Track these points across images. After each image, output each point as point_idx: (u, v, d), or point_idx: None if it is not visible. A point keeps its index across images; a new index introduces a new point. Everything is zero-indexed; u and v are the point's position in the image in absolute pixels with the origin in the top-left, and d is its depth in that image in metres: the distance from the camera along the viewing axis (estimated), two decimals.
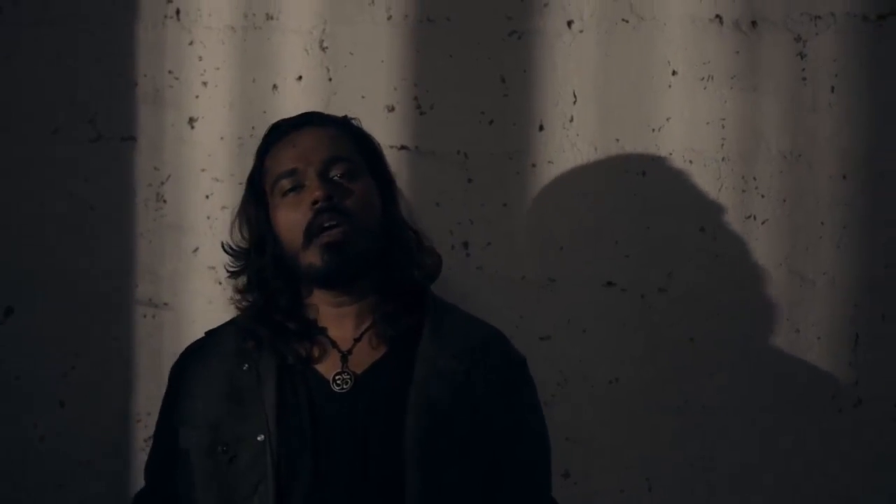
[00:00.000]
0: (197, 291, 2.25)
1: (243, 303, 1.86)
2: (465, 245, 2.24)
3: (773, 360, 2.21)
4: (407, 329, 1.81)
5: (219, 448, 1.77)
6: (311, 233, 1.76)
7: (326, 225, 1.75)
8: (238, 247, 1.88)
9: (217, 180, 2.25)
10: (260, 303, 1.84)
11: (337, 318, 1.82)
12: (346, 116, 1.90)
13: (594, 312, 2.24)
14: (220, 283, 2.25)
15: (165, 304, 2.25)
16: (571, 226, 2.24)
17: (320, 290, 1.82)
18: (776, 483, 2.19)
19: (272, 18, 2.24)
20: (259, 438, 1.74)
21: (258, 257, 1.84)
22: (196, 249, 2.25)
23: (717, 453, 2.22)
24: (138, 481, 2.23)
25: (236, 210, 1.89)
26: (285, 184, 1.78)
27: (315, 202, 1.75)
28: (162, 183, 2.25)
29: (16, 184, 2.24)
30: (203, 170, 2.25)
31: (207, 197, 2.25)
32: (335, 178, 1.79)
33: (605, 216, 2.24)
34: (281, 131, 1.84)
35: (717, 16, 2.22)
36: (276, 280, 1.82)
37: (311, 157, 1.79)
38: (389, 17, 2.24)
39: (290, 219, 1.78)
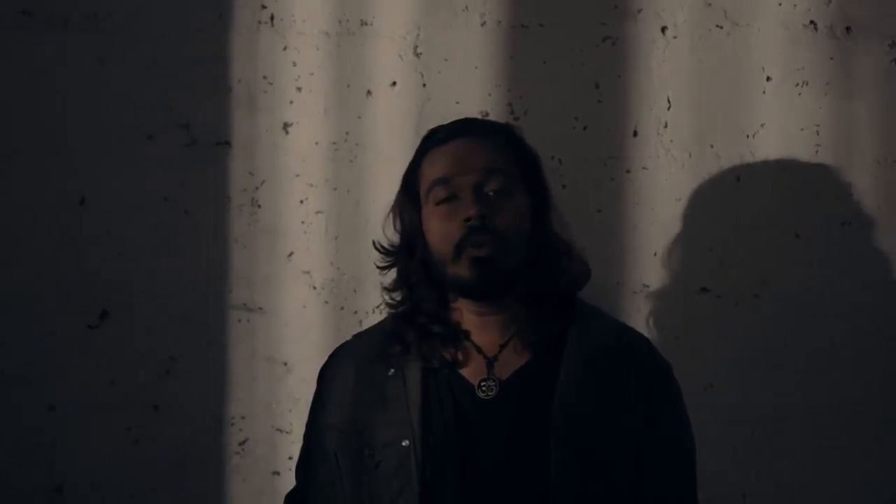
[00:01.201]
0: (291, 296, 2.26)
1: (389, 300, 1.87)
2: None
3: (870, 367, 2.20)
4: (552, 335, 1.80)
5: (365, 452, 1.78)
6: (460, 247, 1.76)
7: (477, 243, 1.75)
8: (390, 245, 1.88)
9: (311, 185, 2.25)
10: (406, 304, 1.85)
11: (482, 324, 1.82)
12: (507, 124, 1.88)
13: (688, 319, 2.23)
14: (315, 288, 2.25)
15: (260, 308, 2.26)
16: (665, 232, 2.23)
17: (466, 299, 1.82)
18: (876, 493, 2.18)
19: (366, 24, 2.25)
20: (404, 444, 1.75)
21: (407, 259, 1.84)
22: (291, 254, 2.26)
23: (814, 461, 2.21)
24: (232, 484, 2.26)
25: (391, 205, 1.88)
26: (440, 192, 1.78)
27: (467, 220, 1.75)
28: (256, 188, 2.26)
29: (111, 189, 2.25)
30: (297, 175, 2.25)
31: (302, 202, 2.26)
32: (490, 193, 1.77)
33: (699, 222, 2.23)
34: (440, 137, 1.83)
35: (812, 22, 2.22)
36: (423, 283, 1.83)
37: (468, 167, 1.78)
38: (483, 24, 2.24)
39: (442, 230, 1.78)
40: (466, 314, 1.83)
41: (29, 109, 2.24)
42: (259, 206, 2.26)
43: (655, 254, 2.24)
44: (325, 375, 1.90)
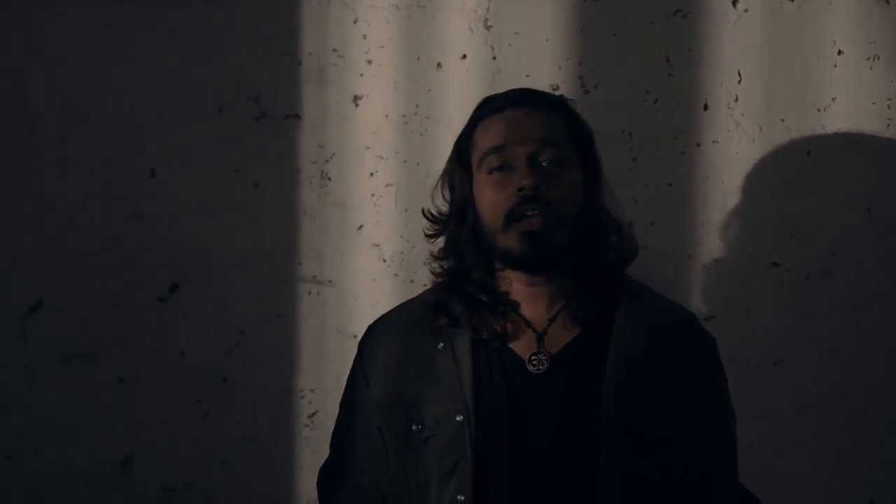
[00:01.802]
0: (361, 269, 2.26)
1: (437, 268, 1.85)
2: (630, 224, 2.21)
3: None
4: (600, 310, 1.80)
5: (413, 427, 1.77)
6: (511, 217, 1.75)
7: (528, 213, 1.74)
8: (438, 213, 1.87)
9: (381, 158, 2.25)
10: (454, 272, 1.83)
11: (530, 296, 1.81)
12: (562, 96, 1.87)
13: (759, 293, 2.23)
14: (384, 261, 2.25)
15: (329, 281, 2.26)
16: (736, 206, 2.23)
17: (514, 271, 1.81)
18: None
19: None
20: (458, 419, 1.74)
21: (457, 226, 1.83)
22: (360, 227, 2.26)
23: (883, 436, 2.20)
24: (302, 457, 2.27)
25: (442, 172, 1.87)
26: (493, 161, 1.77)
27: (521, 189, 1.74)
28: (326, 161, 2.26)
29: (181, 161, 2.25)
30: (367, 147, 2.25)
31: (372, 175, 2.26)
32: (544, 163, 1.76)
33: (769, 196, 2.23)
34: (495, 105, 1.83)
35: None
36: (472, 252, 1.82)
37: (523, 138, 1.77)
38: None
39: (494, 199, 1.76)
40: (515, 284, 1.81)
41: (100, 81, 2.24)
42: (329, 179, 2.26)
43: (726, 228, 2.23)
44: (367, 348, 1.88)
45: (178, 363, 2.26)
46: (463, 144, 1.84)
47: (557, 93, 1.87)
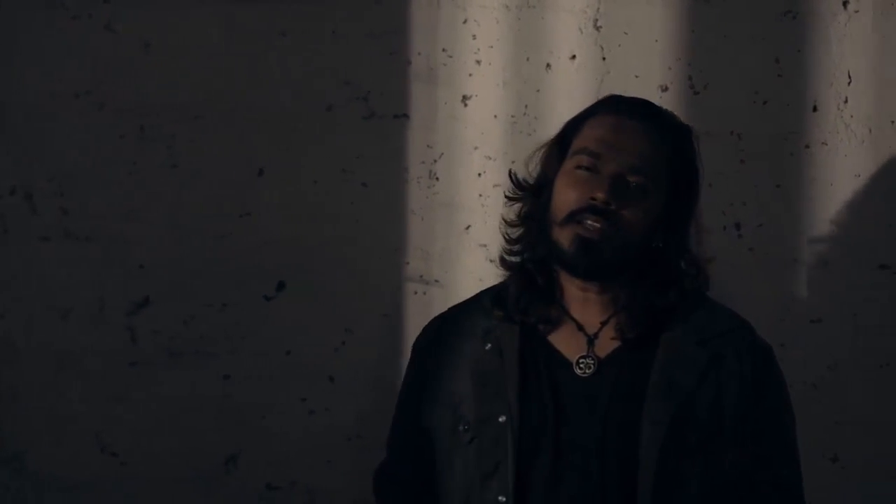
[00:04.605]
0: (468, 269, 2.26)
1: (506, 235, 1.85)
2: (737, 226, 2.23)
3: None
4: (652, 323, 1.77)
5: (460, 427, 1.77)
6: (573, 217, 1.73)
7: (590, 222, 1.73)
8: (524, 180, 1.85)
9: (490, 158, 2.26)
10: (520, 241, 1.82)
11: (582, 300, 1.80)
12: (687, 127, 1.82)
13: (866, 295, 2.22)
14: (492, 261, 2.24)
15: (436, 281, 2.26)
16: (844, 208, 2.22)
17: (563, 270, 1.80)
18: None
19: None
20: (501, 419, 1.73)
21: (535, 200, 1.82)
22: (468, 227, 2.26)
23: None
24: None
25: (546, 141, 1.85)
26: (584, 159, 1.75)
27: (594, 198, 1.72)
28: (434, 161, 2.26)
29: (289, 160, 2.26)
30: (476, 148, 2.26)
31: (480, 175, 2.26)
32: (628, 183, 1.74)
33: (878, 198, 2.22)
34: (615, 106, 1.81)
35: None
36: (538, 229, 1.80)
37: (621, 153, 1.74)
38: None
39: (567, 193, 1.75)
40: (568, 286, 1.80)
41: (209, 79, 2.25)
42: (437, 179, 2.26)
43: (834, 230, 2.22)
44: (421, 349, 1.89)
45: (283, 362, 2.27)
46: (571, 127, 1.83)
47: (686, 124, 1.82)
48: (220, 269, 2.26)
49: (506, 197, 1.87)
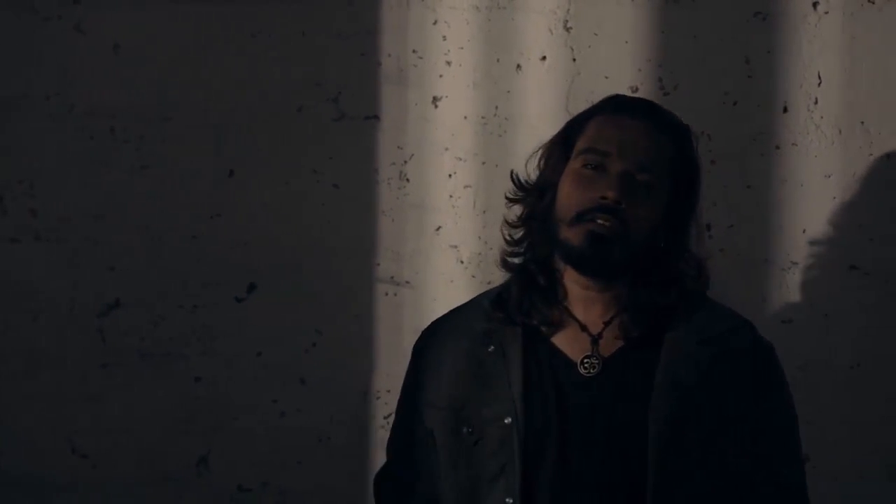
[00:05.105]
0: (438, 270, 2.26)
1: (508, 237, 1.85)
2: (708, 227, 2.22)
3: None
4: (655, 322, 1.78)
5: (464, 429, 1.77)
6: (582, 217, 1.74)
7: (600, 220, 1.73)
8: (526, 181, 1.86)
9: (460, 159, 2.26)
10: (522, 243, 1.83)
11: (585, 300, 1.80)
12: (688, 127, 1.83)
13: (837, 296, 2.22)
14: (462, 262, 2.26)
15: (407, 282, 2.26)
16: (815, 208, 2.22)
17: (572, 270, 1.80)
18: None
19: None
20: (507, 421, 1.74)
21: (537, 200, 1.82)
22: (438, 228, 2.26)
23: None
24: (378, 458, 2.25)
25: (545, 142, 1.85)
26: (590, 158, 1.76)
27: (604, 197, 1.73)
28: (405, 162, 2.26)
29: (260, 161, 2.26)
30: (446, 149, 2.26)
31: (450, 176, 2.26)
32: (636, 182, 1.75)
33: (848, 199, 2.22)
34: (618, 107, 1.82)
35: None
36: (541, 230, 1.80)
37: (629, 152, 1.75)
38: None
39: (575, 193, 1.75)
40: (571, 286, 1.80)
41: (179, 81, 2.25)
42: (407, 180, 2.26)
43: (804, 231, 2.23)
44: (422, 352, 1.89)
45: (254, 363, 2.27)
46: (574, 127, 1.83)
47: (684, 122, 1.84)
48: (190, 270, 2.26)
49: (507, 199, 1.87)
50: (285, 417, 2.27)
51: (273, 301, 2.26)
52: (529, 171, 1.87)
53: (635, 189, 1.74)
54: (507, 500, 1.72)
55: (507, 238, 1.86)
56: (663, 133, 1.79)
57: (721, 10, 2.22)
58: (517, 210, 1.86)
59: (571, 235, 1.75)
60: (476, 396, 1.77)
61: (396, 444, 1.92)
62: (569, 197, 1.76)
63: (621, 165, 1.75)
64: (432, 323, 1.93)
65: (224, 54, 2.25)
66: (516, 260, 1.85)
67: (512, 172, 1.87)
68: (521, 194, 1.86)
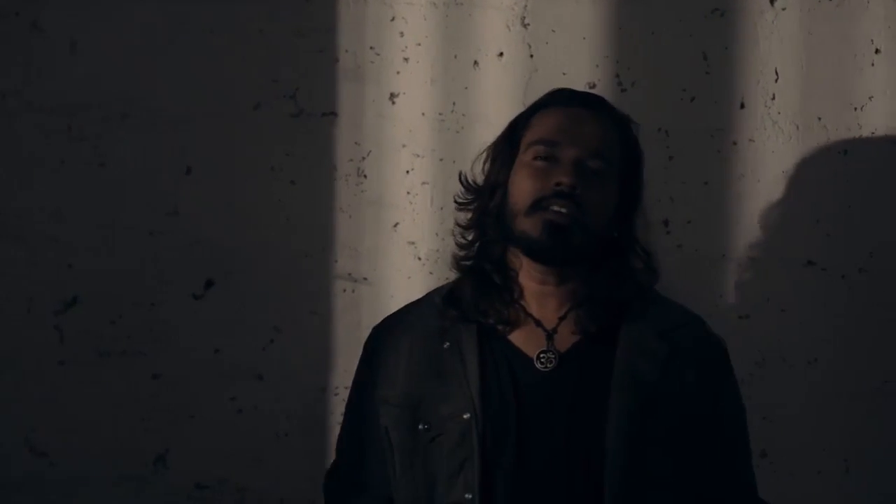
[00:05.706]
0: (396, 266, 2.26)
1: (461, 239, 1.85)
2: (665, 223, 2.23)
3: None
4: (610, 316, 1.79)
5: (420, 426, 1.77)
6: (538, 205, 1.74)
7: (556, 207, 1.74)
8: (474, 182, 1.86)
9: (418, 156, 2.25)
10: (475, 244, 1.83)
11: (540, 295, 1.80)
12: (628, 117, 1.85)
13: (794, 292, 2.23)
14: (420, 259, 2.26)
15: (365, 278, 2.26)
16: (772, 204, 2.23)
17: (528, 262, 1.80)
18: None
19: None
20: (465, 416, 1.74)
21: (488, 200, 1.82)
22: (396, 224, 2.26)
23: None
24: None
25: (490, 143, 1.87)
26: (541, 150, 1.76)
27: (559, 184, 1.73)
28: (363, 158, 2.26)
29: (217, 158, 2.25)
30: (404, 145, 2.25)
31: (408, 172, 2.25)
32: (588, 170, 1.76)
33: (805, 195, 2.23)
34: (564, 98, 1.83)
35: None
36: (494, 229, 1.81)
37: (579, 139, 1.76)
38: None
39: (528, 184, 1.76)
40: (526, 282, 1.81)
41: (137, 77, 2.24)
42: (365, 177, 2.26)
43: (761, 226, 2.23)
44: (374, 348, 1.88)
45: (212, 360, 2.26)
46: (519, 123, 1.84)
47: (624, 112, 1.85)
48: (148, 267, 2.25)
49: (456, 202, 1.88)
50: (243, 414, 2.26)
51: (230, 298, 2.25)
52: (476, 173, 1.87)
53: (588, 175, 1.75)
54: (466, 495, 1.72)
55: (460, 240, 1.86)
56: (609, 121, 1.81)
57: (678, 6, 2.23)
58: (468, 212, 1.86)
59: (529, 226, 1.75)
60: (433, 393, 1.77)
61: (346, 442, 1.91)
62: (522, 188, 1.76)
63: (573, 152, 1.75)
64: (384, 320, 1.92)
65: (181, 51, 2.24)
66: (468, 262, 1.85)
67: (461, 174, 1.88)
68: (470, 196, 1.86)
